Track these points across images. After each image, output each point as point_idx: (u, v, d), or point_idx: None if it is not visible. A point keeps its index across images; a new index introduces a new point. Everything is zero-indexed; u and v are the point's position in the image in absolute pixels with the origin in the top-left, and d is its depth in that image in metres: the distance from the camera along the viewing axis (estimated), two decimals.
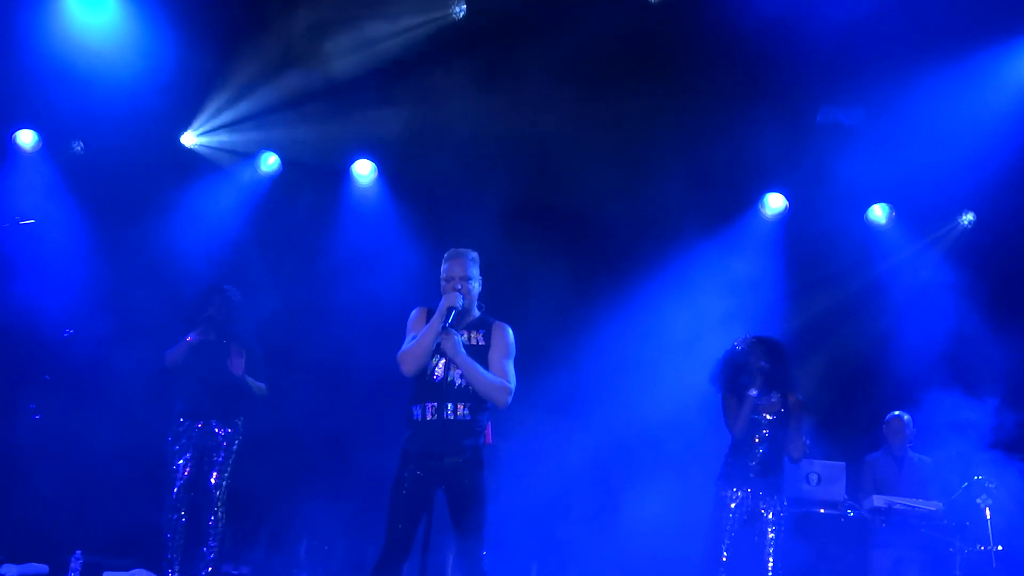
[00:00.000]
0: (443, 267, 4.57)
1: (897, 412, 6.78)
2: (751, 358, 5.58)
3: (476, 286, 4.55)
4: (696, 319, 7.27)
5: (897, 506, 6.39)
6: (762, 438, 5.52)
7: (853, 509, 6.63)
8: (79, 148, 8.10)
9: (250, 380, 6.26)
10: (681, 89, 7.21)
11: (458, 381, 4.38)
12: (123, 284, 7.78)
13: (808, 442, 5.62)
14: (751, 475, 5.48)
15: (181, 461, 6.11)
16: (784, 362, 5.62)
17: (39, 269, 7.65)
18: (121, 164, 8.01)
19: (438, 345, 4.34)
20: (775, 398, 5.57)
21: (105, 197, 8.01)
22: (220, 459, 6.16)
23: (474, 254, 4.60)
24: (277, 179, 8.36)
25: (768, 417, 5.54)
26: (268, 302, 7.36)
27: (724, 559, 5.37)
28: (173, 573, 6.07)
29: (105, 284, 7.80)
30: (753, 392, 5.51)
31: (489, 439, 4.52)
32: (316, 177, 8.37)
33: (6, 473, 7.11)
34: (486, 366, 4.41)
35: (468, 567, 4.33)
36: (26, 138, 8.05)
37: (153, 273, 7.66)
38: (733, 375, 5.62)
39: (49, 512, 7.22)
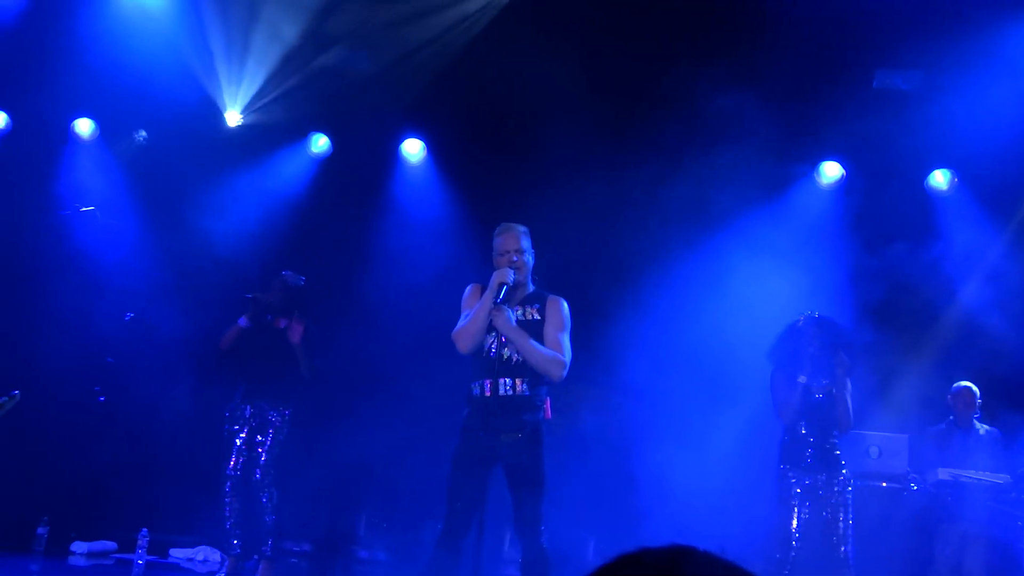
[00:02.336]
0: (495, 241, 4.54)
1: (965, 383, 6.62)
2: (804, 342, 5.46)
3: (529, 259, 4.53)
4: (752, 291, 7.16)
5: (963, 479, 6.25)
6: (816, 421, 5.41)
7: (917, 483, 6.50)
8: (142, 137, 8.22)
9: (303, 352, 6.32)
10: (735, 56, 7.07)
11: (514, 357, 4.37)
12: (179, 267, 7.91)
13: (852, 412, 5.49)
14: (809, 457, 5.39)
15: (237, 441, 6.23)
16: (838, 348, 5.47)
17: (100, 254, 7.81)
18: (174, 148, 8.13)
19: (492, 321, 4.34)
20: (826, 383, 5.47)
21: (159, 182, 8.14)
22: (272, 439, 6.25)
23: (525, 228, 4.57)
24: (327, 159, 8.42)
25: (815, 398, 5.44)
26: (322, 284, 7.42)
27: (794, 543, 5.29)
28: (234, 548, 6.20)
29: (162, 268, 7.93)
30: (802, 379, 5.41)
31: (548, 414, 4.51)
32: (366, 156, 8.40)
33: (75, 454, 7.29)
34: (541, 340, 4.40)
35: (527, 542, 4.33)
36: (84, 127, 8.20)
37: (208, 256, 7.77)
38: (788, 355, 5.52)
39: (117, 491, 7.40)
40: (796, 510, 5.34)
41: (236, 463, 6.20)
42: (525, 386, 4.36)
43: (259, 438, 6.25)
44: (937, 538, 6.29)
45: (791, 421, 5.44)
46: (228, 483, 6.17)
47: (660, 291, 7.35)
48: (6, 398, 1.82)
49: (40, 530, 6.76)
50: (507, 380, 4.34)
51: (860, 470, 6.44)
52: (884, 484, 6.50)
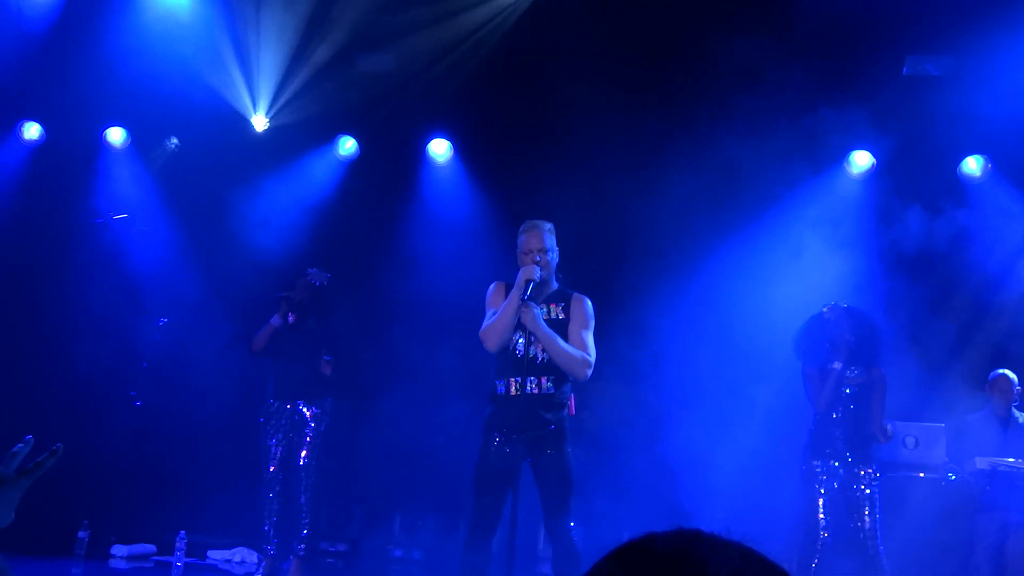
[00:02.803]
0: (519, 239, 4.55)
1: (1003, 370, 6.52)
2: (837, 330, 5.41)
3: (554, 257, 4.53)
4: (780, 283, 7.10)
5: (1002, 468, 6.15)
6: (847, 412, 5.37)
7: (955, 472, 6.41)
8: (174, 145, 8.32)
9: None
10: (762, 50, 7.01)
11: (540, 355, 4.37)
12: (211, 271, 7.99)
13: (890, 426, 5.45)
14: (839, 445, 5.34)
15: (273, 441, 6.27)
16: (871, 336, 5.43)
17: (134, 261, 7.91)
18: (204, 155, 8.23)
19: (520, 319, 4.34)
20: (859, 372, 5.41)
21: (190, 188, 8.23)
22: (309, 439, 6.28)
23: (550, 225, 4.57)
24: (354, 162, 8.46)
25: (850, 391, 5.38)
26: (350, 284, 7.47)
27: (823, 536, 5.24)
28: (271, 550, 6.25)
29: (195, 272, 8.02)
30: (837, 365, 5.36)
31: (573, 411, 4.51)
32: (393, 157, 8.43)
33: (112, 458, 7.38)
34: (566, 339, 4.39)
35: (557, 538, 4.33)
36: (116, 135, 8.32)
37: (240, 259, 7.84)
38: (817, 346, 5.47)
39: (155, 495, 7.49)
40: (822, 500, 5.29)
41: (276, 466, 6.24)
42: (550, 384, 4.37)
43: (298, 437, 6.28)
44: (976, 528, 6.20)
45: (823, 409, 5.39)
46: (268, 486, 6.22)
47: (688, 283, 7.31)
48: (47, 453, 1.82)
49: (81, 534, 6.86)
50: (533, 379, 4.34)
51: (896, 461, 6.37)
52: (921, 475, 6.41)
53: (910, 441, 6.39)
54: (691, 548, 0.88)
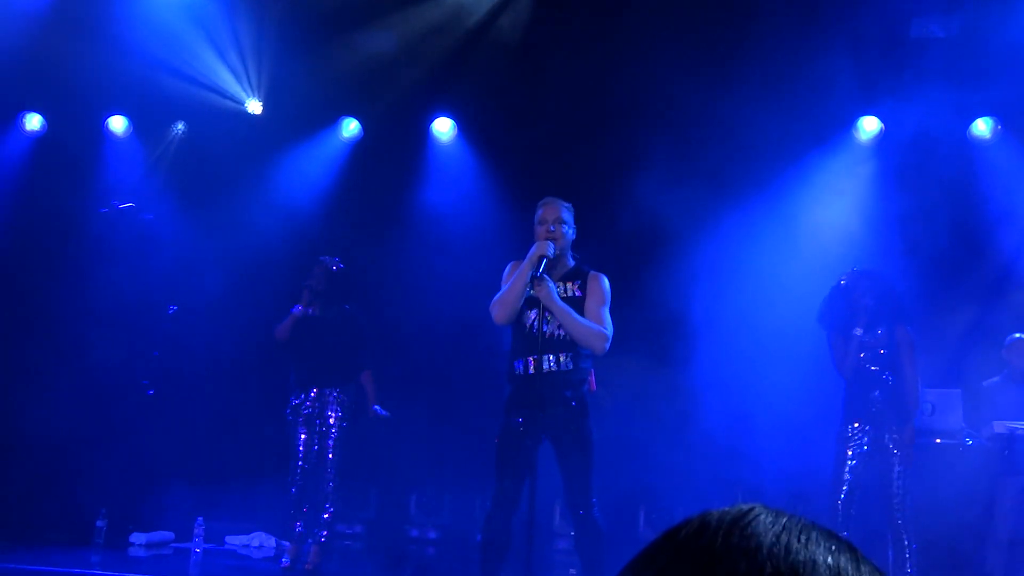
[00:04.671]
0: (537, 213, 4.52)
1: (1019, 335, 6.48)
2: (855, 295, 5.39)
3: (569, 231, 4.49)
4: (796, 253, 7.07)
5: (1020, 431, 6.12)
6: (875, 376, 5.36)
7: (972, 437, 6.38)
8: (180, 130, 8.28)
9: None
10: (766, 12, 6.94)
11: (556, 332, 4.34)
12: (219, 259, 7.96)
13: (922, 388, 5.44)
14: (873, 409, 5.36)
15: (302, 435, 6.26)
16: (890, 296, 5.42)
17: (140, 250, 7.89)
18: (207, 140, 8.19)
19: (534, 295, 4.31)
20: (882, 333, 5.38)
21: (194, 175, 8.20)
22: (333, 427, 6.27)
23: (569, 204, 4.55)
24: (358, 143, 8.41)
25: (881, 351, 5.37)
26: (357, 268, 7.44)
27: (843, 495, 5.25)
28: (296, 535, 6.27)
29: (203, 260, 7.99)
30: (858, 331, 5.33)
31: (594, 387, 4.48)
32: (397, 138, 8.38)
33: (128, 448, 7.40)
34: (582, 316, 4.36)
35: (579, 516, 4.32)
36: (117, 124, 8.28)
37: (247, 246, 7.81)
38: (838, 313, 5.45)
39: (171, 482, 7.51)
40: (849, 460, 5.30)
41: (302, 453, 6.24)
42: (569, 361, 4.34)
43: (322, 426, 6.27)
44: (997, 491, 6.18)
45: (850, 376, 5.40)
46: (294, 479, 6.22)
47: (702, 256, 7.27)
48: None
49: (99, 523, 6.89)
50: (550, 356, 4.31)
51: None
52: (938, 440, 6.38)
53: (927, 407, 6.35)
54: (746, 523, 0.85)
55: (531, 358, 4.32)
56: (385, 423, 6.69)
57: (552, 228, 4.39)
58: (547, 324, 4.32)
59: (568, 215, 4.50)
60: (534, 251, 4.33)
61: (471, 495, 7.45)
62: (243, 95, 8.08)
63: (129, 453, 7.39)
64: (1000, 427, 6.19)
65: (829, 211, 7.25)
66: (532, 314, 4.35)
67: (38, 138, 8.26)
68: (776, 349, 6.74)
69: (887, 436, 5.33)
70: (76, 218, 8.05)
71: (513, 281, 4.34)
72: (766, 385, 6.79)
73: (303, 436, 6.26)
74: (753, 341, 6.97)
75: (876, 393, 5.37)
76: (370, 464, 7.60)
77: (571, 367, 4.35)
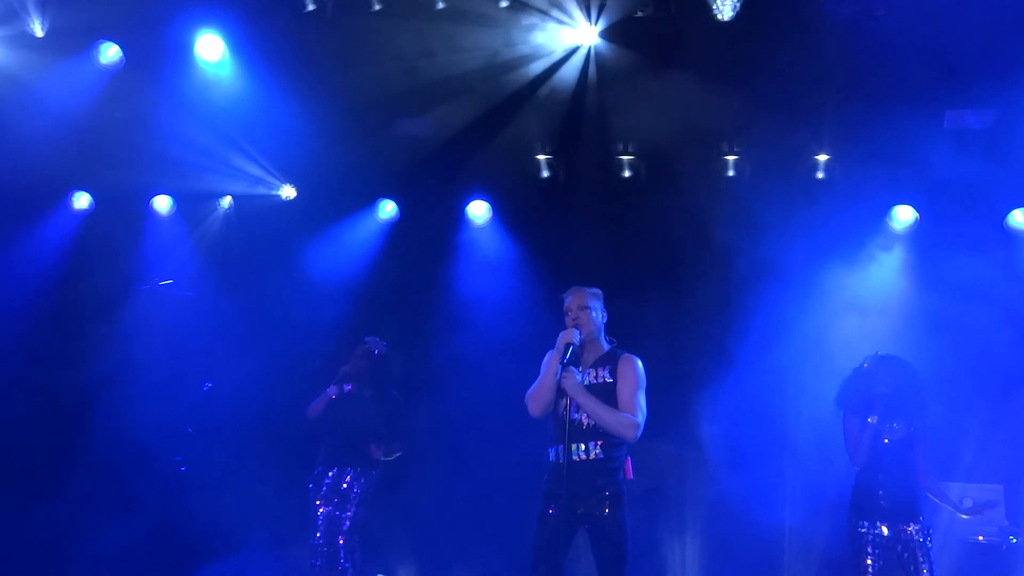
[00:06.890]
0: (564, 302, 4.57)
1: None
2: (873, 382, 5.30)
3: (596, 316, 4.51)
4: (825, 338, 7.03)
5: None
6: (889, 467, 5.23)
7: (1016, 535, 6.20)
8: (226, 206, 8.48)
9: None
10: (797, 109, 7.03)
11: (586, 421, 4.33)
12: (256, 338, 8.05)
13: (940, 483, 5.32)
14: (883, 504, 5.19)
15: (320, 508, 6.25)
16: (910, 387, 5.29)
17: (178, 327, 8.00)
18: (244, 220, 8.37)
19: (561, 384, 4.31)
20: (898, 424, 5.27)
21: (232, 254, 8.36)
22: (353, 509, 6.27)
23: (595, 290, 4.58)
24: (395, 224, 8.53)
25: (888, 441, 5.24)
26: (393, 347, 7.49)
27: None
28: None
29: (239, 339, 8.08)
30: (872, 419, 5.23)
31: (630, 474, 4.43)
32: (431, 220, 8.49)
33: (160, 525, 7.40)
34: (615, 402, 4.35)
35: None
36: (162, 203, 8.48)
37: (285, 325, 7.90)
38: (855, 398, 5.36)
39: (199, 559, 7.48)
40: (870, 562, 5.13)
41: (321, 533, 6.21)
42: (599, 451, 4.31)
43: (343, 503, 6.25)
44: None
45: (863, 465, 5.27)
46: (313, 552, 6.20)
47: (732, 338, 7.25)
48: None
49: None
50: (580, 445, 4.30)
51: (953, 524, 6.17)
52: (981, 539, 6.21)
53: (966, 503, 6.19)
54: None
55: (562, 446, 4.31)
56: (416, 504, 6.64)
57: (576, 316, 4.42)
58: (575, 412, 4.31)
59: (594, 301, 4.54)
60: (560, 339, 4.36)
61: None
62: (278, 181, 8.29)
63: (161, 529, 7.38)
64: None
65: (867, 297, 7.23)
66: (563, 402, 4.35)
67: (86, 216, 8.46)
68: (804, 430, 6.66)
69: (901, 532, 5.15)
70: (118, 294, 8.19)
71: (543, 374, 4.37)
72: (795, 464, 6.69)
73: (321, 515, 6.24)
74: (781, 425, 6.89)
75: (888, 486, 5.20)
76: (400, 545, 7.54)
77: (602, 455, 4.32)
